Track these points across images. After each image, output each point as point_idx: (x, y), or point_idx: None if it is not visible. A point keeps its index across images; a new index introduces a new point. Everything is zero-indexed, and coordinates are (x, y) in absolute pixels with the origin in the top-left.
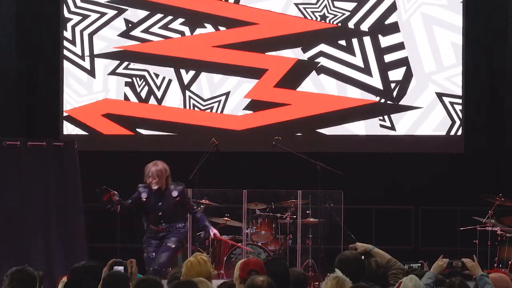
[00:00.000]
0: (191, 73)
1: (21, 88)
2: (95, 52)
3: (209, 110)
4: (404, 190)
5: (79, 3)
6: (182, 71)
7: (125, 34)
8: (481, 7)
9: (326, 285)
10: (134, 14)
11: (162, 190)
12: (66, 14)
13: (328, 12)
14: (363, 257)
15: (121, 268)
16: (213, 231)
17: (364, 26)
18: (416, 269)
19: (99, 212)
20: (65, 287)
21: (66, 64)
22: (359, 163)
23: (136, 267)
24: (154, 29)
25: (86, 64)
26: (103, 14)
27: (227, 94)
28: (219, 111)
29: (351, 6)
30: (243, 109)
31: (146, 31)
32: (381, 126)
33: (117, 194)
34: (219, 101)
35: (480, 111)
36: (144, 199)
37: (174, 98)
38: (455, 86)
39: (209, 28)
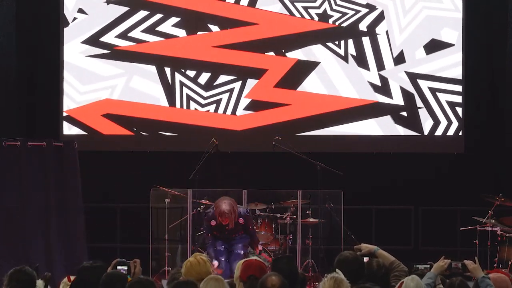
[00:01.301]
0: (191, 73)
1: (21, 88)
2: (95, 52)
3: (209, 110)
4: (404, 190)
5: (79, 3)
6: (182, 71)
7: (124, 35)
8: (481, 6)
9: (324, 286)
10: (134, 14)
11: None
12: (66, 14)
13: (331, 10)
14: (365, 258)
15: (124, 268)
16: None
17: (364, 26)
18: (418, 270)
19: (99, 212)
20: (72, 286)
21: (66, 64)
22: (359, 163)
23: (140, 267)
24: (154, 30)
25: (86, 64)
26: (103, 14)
27: (227, 94)
28: (219, 111)
29: (351, 6)
30: (243, 109)
31: (146, 31)
32: (381, 126)
33: None
34: (219, 101)
35: (480, 111)
36: (213, 224)
37: (174, 98)
38: (455, 86)
39: (209, 28)
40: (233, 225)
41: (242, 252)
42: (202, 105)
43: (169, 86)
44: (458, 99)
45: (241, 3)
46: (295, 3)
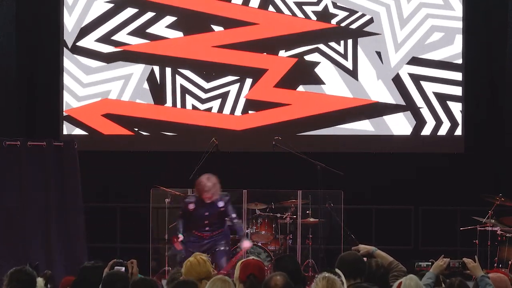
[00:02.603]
0: (191, 73)
1: (21, 88)
2: (95, 52)
3: (209, 110)
4: (404, 190)
5: (79, 3)
6: (182, 71)
7: (124, 34)
8: (481, 6)
9: (317, 286)
10: (134, 14)
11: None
12: (66, 14)
13: (333, 8)
14: (365, 259)
15: (122, 268)
16: (245, 244)
17: (364, 26)
18: (420, 267)
19: (99, 212)
20: (73, 285)
21: (66, 64)
22: (359, 163)
23: (137, 268)
24: (154, 29)
25: (86, 64)
26: (103, 14)
27: (227, 94)
28: (219, 111)
29: (352, 6)
30: (243, 109)
31: (146, 31)
32: (381, 126)
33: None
34: (219, 101)
35: (480, 111)
36: (192, 209)
37: (174, 98)
38: (455, 86)
39: (209, 28)
40: (215, 199)
41: (227, 248)
42: (202, 105)
43: (169, 86)
44: (458, 99)
45: (241, 3)
46: (295, 3)
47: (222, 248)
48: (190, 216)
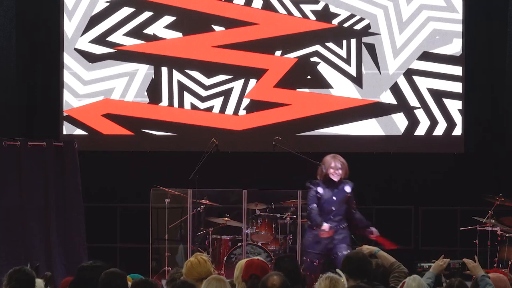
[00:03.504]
0: (191, 73)
1: (21, 88)
2: (95, 52)
3: (209, 110)
4: (404, 190)
5: (79, 3)
6: (182, 71)
7: (124, 35)
8: (481, 6)
9: (320, 285)
10: (134, 14)
11: (336, 184)
12: (66, 14)
13: (334, 7)
14: None
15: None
16: (373, 231)
17: (364, 26)
18: (425, 270)
19: (99, 212)
20: (71, 285)
21: (66, 64)
22: (359, 163)
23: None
24: (154, 29)
25: (86, 64)
26: (103, 14)
27: (227, 94)
28: (219, 111)
29: (351, 7)
30: (243, 109)
31: (146, 31)
32: (381, 126)
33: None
34: (219, 101)
35: (480, 111)
36: (320, 194)
37: (174, 98)
38: (455, 86)
39: (209, 28)
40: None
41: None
42: (202, 105)
43: (169, 86)
44: (458, 98)
45: (241, 3)
46: (293, 3)
47: (344, 252)
48: (318, 204)
